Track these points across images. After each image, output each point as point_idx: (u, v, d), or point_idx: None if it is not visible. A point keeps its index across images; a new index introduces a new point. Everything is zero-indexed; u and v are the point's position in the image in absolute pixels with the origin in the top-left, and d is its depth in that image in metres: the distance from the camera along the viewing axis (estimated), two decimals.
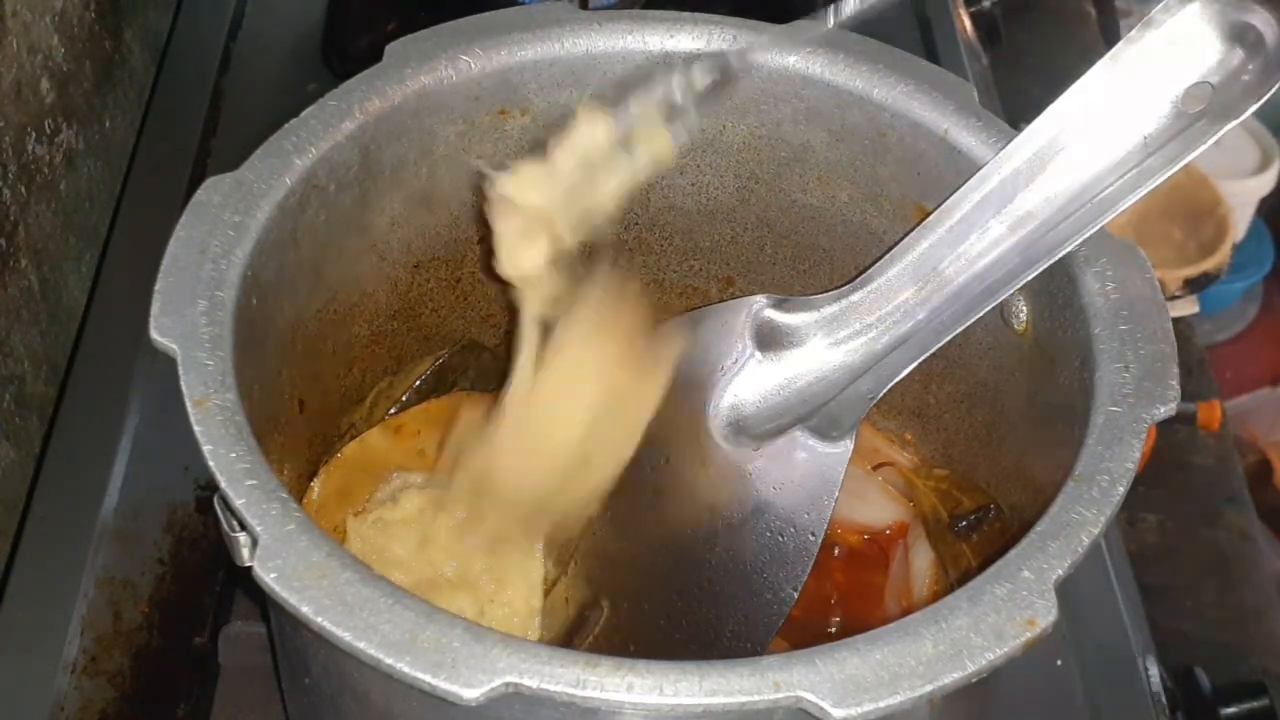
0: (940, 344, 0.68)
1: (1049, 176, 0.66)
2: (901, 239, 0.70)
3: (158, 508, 0.91)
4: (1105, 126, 0.64)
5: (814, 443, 0.71)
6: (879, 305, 0.71)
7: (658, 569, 0.76)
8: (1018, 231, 0.66)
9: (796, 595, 0.71)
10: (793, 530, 0.71)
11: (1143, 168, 0.63)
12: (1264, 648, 1.06)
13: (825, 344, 0.72)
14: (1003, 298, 0.66)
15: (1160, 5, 0.62)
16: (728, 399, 0.73)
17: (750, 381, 0.73)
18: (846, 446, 0.70)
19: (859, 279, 0.71)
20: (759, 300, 0.73)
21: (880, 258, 0.71)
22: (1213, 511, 1.12)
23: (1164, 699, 0.88)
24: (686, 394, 0.74)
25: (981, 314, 0.67)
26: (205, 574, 0.89)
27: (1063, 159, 0.65)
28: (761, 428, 0.73)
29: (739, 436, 0.73)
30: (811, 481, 0.71)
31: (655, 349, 0.73)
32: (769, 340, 0.73)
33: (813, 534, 0.71)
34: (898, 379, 0.69)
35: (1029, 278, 0.65)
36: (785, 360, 0.73)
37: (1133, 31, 0.63)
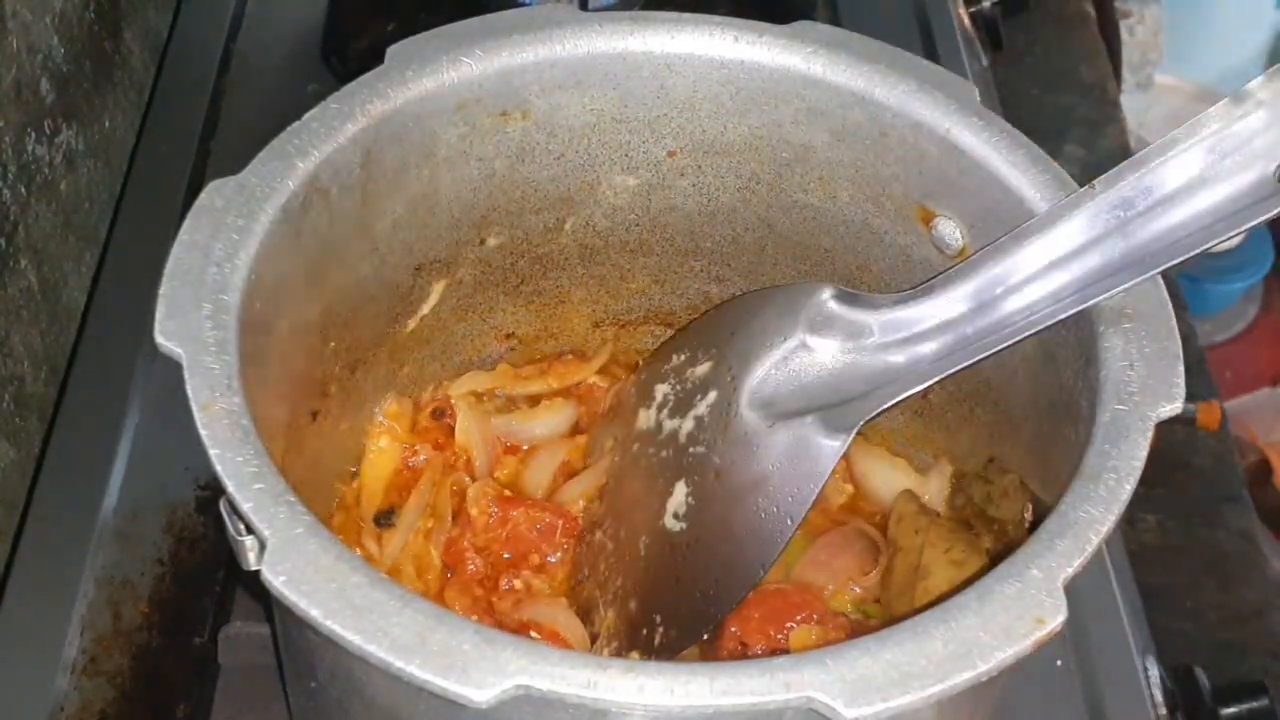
0: (972, 362, 0.68)
1: (1128, 229, 0.65)
2: (975, 254, 0.70)
3: (158, 508, 0.92)
4: (1192, 194, 0.64)
5: (819, 433, 0.71)
6: (935, 316, 0.70)
7: (652, 549, 0.77)
8: (1077, 273, 0.66)
9: (764, 574, 0.72)
10: (775, 511, 0.72)
11: (1212, 229, 0.63)
12: (1264, 648, 1.06)
13: (876, 343, 0.72)
14: (1042, 328, 0.66)
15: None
16: (765, 371, 0.74)
17: (792, 362, 0.74)
18: (844, 442, 0.70)
19: (923, 287, 0.71)
20: (825, 290, 0.73)
21: (947, 269, 0.71)
22: (1213, 511, 1.12)
23: (1164, 699, 0.88)
24: (732, 360, 0.75)
25: (1020, 340, 0.67)
26: (205, 574, 0.89)
27: (1146, 215, 0.65)
28: (785, 406, 0.73)
29: (761, 410, 0.74)
30: (804, 468, 0.71)
31: None
32: (822, 328, 0.73)
33: (790, 519, 0.71)
34: (919, 389, 0.69)
35: (1072, 314, 0.65)
36: (831, 351, 0.73)
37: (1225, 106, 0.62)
